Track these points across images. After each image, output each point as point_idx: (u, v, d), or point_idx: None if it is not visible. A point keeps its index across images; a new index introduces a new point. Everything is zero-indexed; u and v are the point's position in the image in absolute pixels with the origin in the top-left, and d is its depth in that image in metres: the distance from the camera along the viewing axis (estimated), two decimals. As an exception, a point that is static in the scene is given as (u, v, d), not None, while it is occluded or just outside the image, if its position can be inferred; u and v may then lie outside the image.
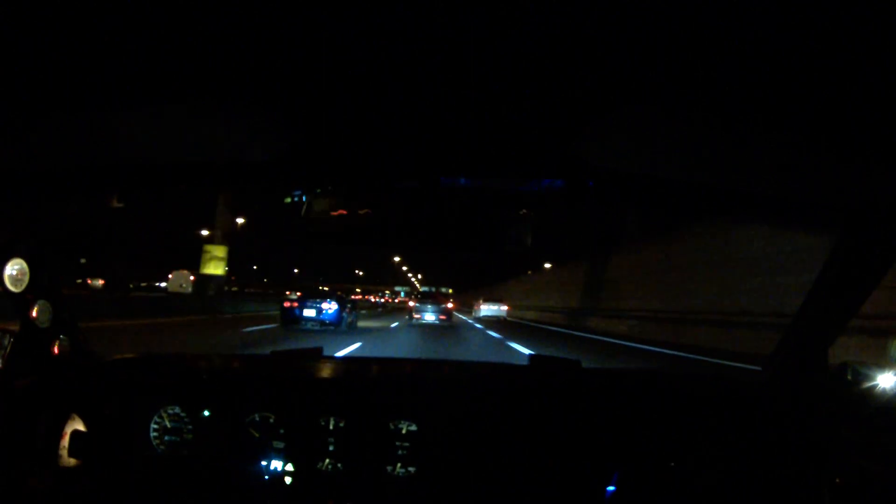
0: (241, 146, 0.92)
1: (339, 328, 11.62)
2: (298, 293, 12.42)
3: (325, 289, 15.15)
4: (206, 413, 1.19)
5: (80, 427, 1.11)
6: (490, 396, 1.21)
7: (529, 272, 31.96)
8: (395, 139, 0.91)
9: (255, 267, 67.63)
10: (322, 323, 11.44)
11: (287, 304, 11.80)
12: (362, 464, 1.14)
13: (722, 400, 1.21)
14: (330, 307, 11.53)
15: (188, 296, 22.31)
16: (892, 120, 0.67)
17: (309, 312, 11.45)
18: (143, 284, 34.50)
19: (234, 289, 38.26)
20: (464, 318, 22.85)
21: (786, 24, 0.52)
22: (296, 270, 74.80)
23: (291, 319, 11.58)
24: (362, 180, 1.10)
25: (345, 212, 1.08)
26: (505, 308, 23.39)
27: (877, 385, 1.04)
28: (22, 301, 1.05)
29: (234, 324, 12.62)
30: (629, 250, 17.10)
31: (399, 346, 9.25)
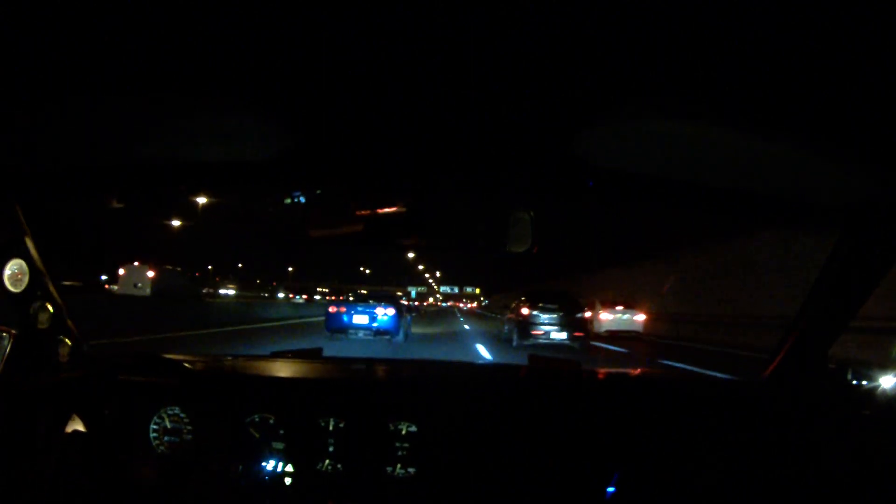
0: (242, 146, 0.92)
1: (396, 338, 9.97)
2: (337, 296, 11.34)
3: (324, 289, 13.60)
4: (206, 413, 1.19)
5: (80, 427, 1.11)
6: (490, 397, 1.21)
7: (601, 268, 22.63)
8: (395, 139, 0.91)
9: (240, 265, 63.61)
10: (377, 332, 9.82)
11: (333, 310, 10.20)
12: (362, 465, 1.14)
13: (722, 400, 1.21)
14: (386, 313, 9.83)
15: (147, 299, 16.61)
16: (892, 120, 0.67)
17: (360, 319, 9.84)
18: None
19: (208, 290, 32.82)
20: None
21: (786, 23, 0.52)
22: (290, 269, 70.95)
23: (338, 328, 10.01)
24: (363, 180, 1.10)
25: (345, 213, 1.08)
26: (641, 318, 14.45)
27: (877, 385, 1.04)
28: (22, 301, 1.05)
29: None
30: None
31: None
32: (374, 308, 9.90)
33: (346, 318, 9.96)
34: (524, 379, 1.40)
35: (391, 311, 9.86)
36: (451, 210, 1.09)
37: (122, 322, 9.62)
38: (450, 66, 0.65)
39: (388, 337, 9.89)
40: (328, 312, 10.36)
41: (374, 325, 9.82)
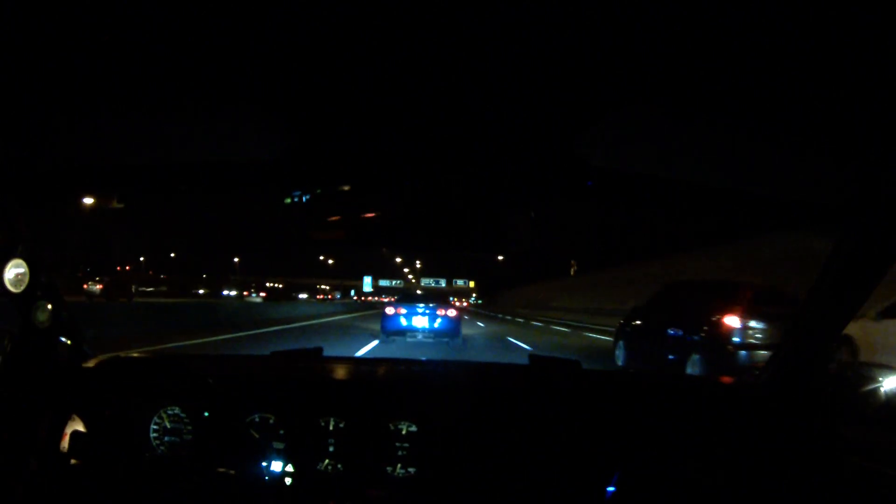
0: (241, 146, 0.92)
1: (455, 340, 9.48)
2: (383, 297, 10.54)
3: (272, 285, 11.76)
4: (206, 413, 1.19)
5: (80, 427, 1.11)
6: (490, 397, 1.21)
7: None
8: (395, 139, 0.91)
9: (172, 255, 54.07)
10: (436, 334, 9.34)
11: (391, 312, 9.63)
12: (362, 465, 1.14)
13: (722, 400, 1.21)
14: (447, 314, 9.38)
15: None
16: (891, 120, 0.67)
17: (420, 322, 9.30)
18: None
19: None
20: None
21: (784, 24, 0.52)
22: (236, 259, 59.58)
23: (396, 331, 9.45)
24: (363, 180, 1.10)
25: (346, 214, 1.08)
26: None
27: (877, 385, 1.04)
28: (22, 302, 1.05)
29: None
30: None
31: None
32: (435, 309, 9.40)
33: (405, 321, 9.41)
34: (524, 379, 1.40)
35: (452, 313, 9.47)
36: (452, 209, 1.09)
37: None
38: (450, 67, 0.65)
39: (446, 339, 9.44)
40: (385, 314, 9.83)
41: (435, 327, 9.32)
